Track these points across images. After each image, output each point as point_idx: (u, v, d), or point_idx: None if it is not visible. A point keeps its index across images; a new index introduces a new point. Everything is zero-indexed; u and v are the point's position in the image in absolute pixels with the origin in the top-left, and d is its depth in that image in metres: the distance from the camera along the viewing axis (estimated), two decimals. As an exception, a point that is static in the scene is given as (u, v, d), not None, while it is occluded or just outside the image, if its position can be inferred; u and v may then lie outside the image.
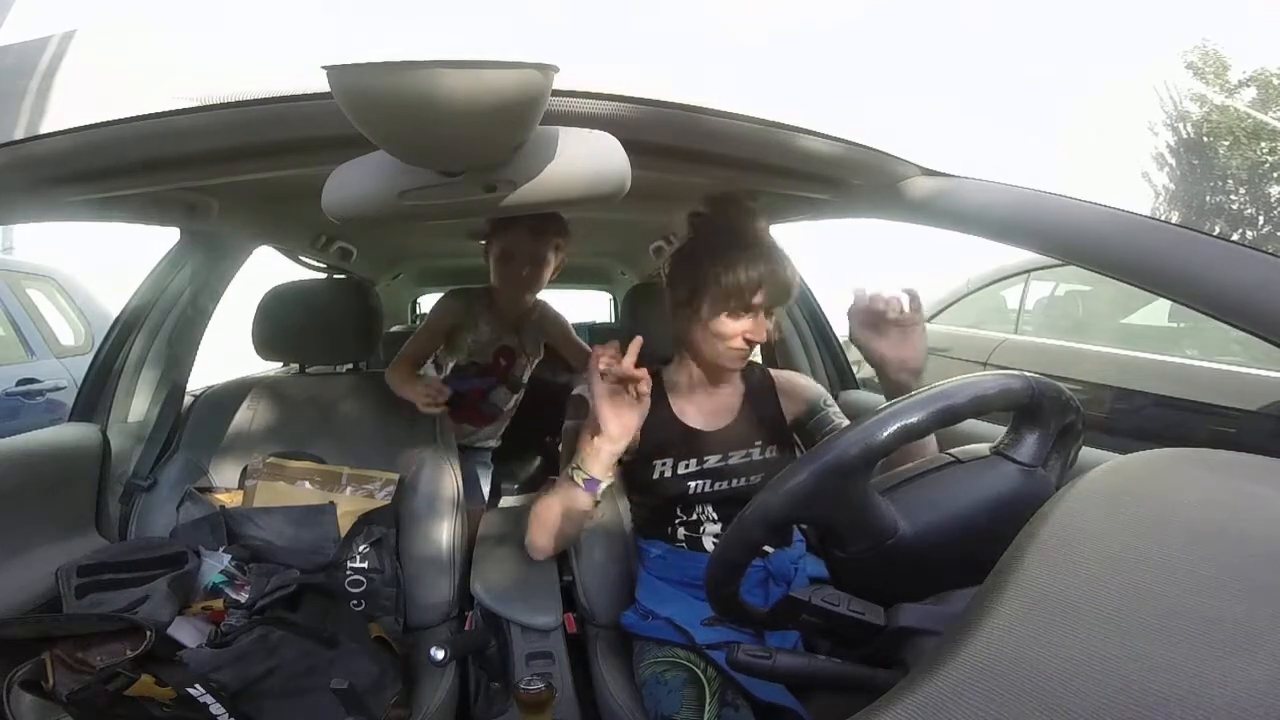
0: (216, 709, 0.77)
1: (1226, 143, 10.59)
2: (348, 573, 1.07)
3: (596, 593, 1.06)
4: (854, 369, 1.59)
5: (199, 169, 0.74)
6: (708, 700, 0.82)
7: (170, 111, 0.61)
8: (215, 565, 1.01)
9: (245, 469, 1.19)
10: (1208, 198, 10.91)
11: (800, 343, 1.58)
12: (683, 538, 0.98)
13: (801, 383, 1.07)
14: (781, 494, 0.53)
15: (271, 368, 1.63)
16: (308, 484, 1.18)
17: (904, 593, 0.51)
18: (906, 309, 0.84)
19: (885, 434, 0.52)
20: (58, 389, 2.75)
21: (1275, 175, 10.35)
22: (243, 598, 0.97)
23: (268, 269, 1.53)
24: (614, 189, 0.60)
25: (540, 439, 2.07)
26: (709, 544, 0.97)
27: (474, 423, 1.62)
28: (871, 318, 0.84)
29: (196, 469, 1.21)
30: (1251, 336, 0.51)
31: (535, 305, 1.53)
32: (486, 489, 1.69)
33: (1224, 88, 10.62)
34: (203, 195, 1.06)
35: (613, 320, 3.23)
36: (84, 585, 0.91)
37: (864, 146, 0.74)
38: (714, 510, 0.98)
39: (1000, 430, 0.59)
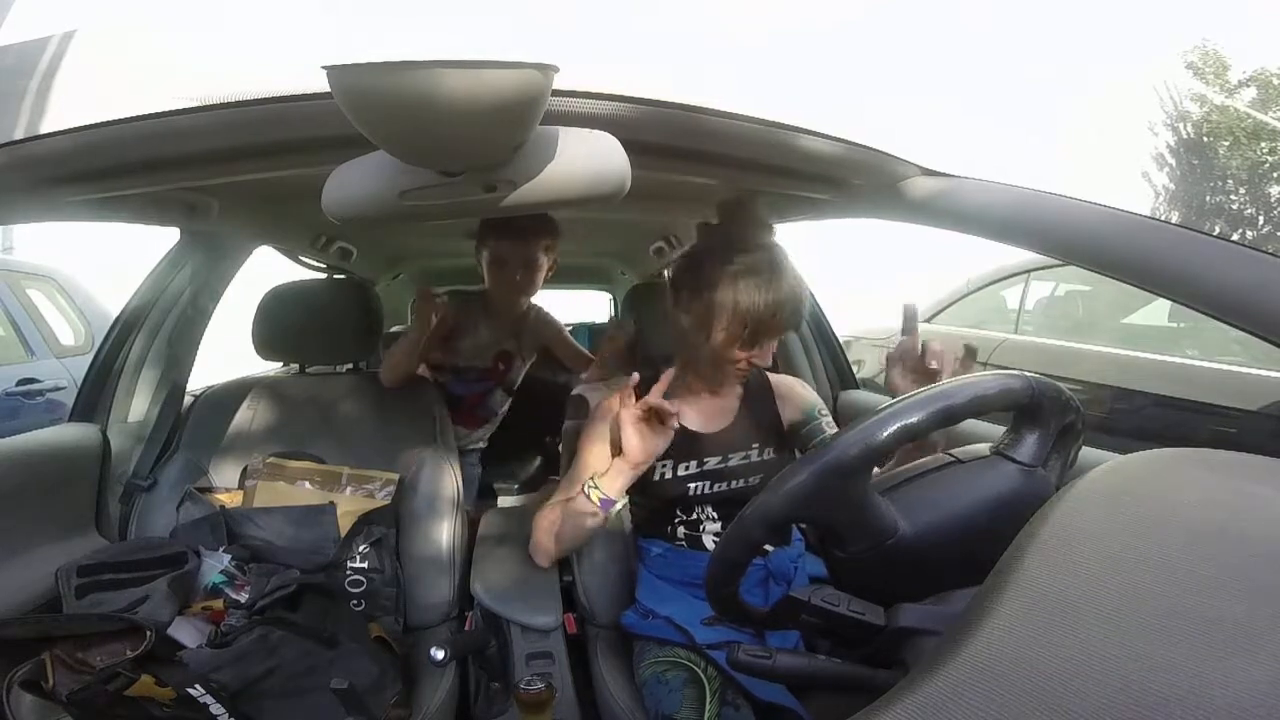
0: (216, 709, 0.77)
1: (1226, 143, 10.59)
2: (348, 573, 1.07)
3: (596, 593, 1.06)
4: (854, 369, 1.59)
5: (199, 169, 0.74)
6: (708, 700, 0.82)
7: (170, 111, 0.61)
8: (215, 565, 1.01)
9: (245, 469, 1.19)
10: (1208, 198, 10.91)
11: (800, 343, 1.58)
12: (683, 537, 0.98)
13: (798, 389, 1.08)
14: (782, 494, 0.53)
15: (271, 368, 1.63)
16: (308, 484, 1.18)
17: (904, 593, 0.51)
18: (939, 362, 0.81)
19: (885, 434, 0.52)
20: (58, 389, 2.75)
21: (1275, 175, 10.35)
22: (243, 598, 0.97)
23: (268, 269, 1.53)
24: (614, 189, 0.60)
25: (540, 439, 2.07)
26: (709, 543, 0.97)
27: (469, 426, 1.62)
28: (914, 365, 0.81)
29: (196, 469, 1.21)
30: (1251, 336, 0.51)
31: (530, 308, 1.53)
32: (475, 490, 1.69)
33: (1224, 88, 10.62)
34: (203, 195, 1.06)
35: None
36: (84, 585, 0.91)
37: (864, 146, 0.74)
38: (714, 510, 0.98)
39: (1000, 430, 0.59)
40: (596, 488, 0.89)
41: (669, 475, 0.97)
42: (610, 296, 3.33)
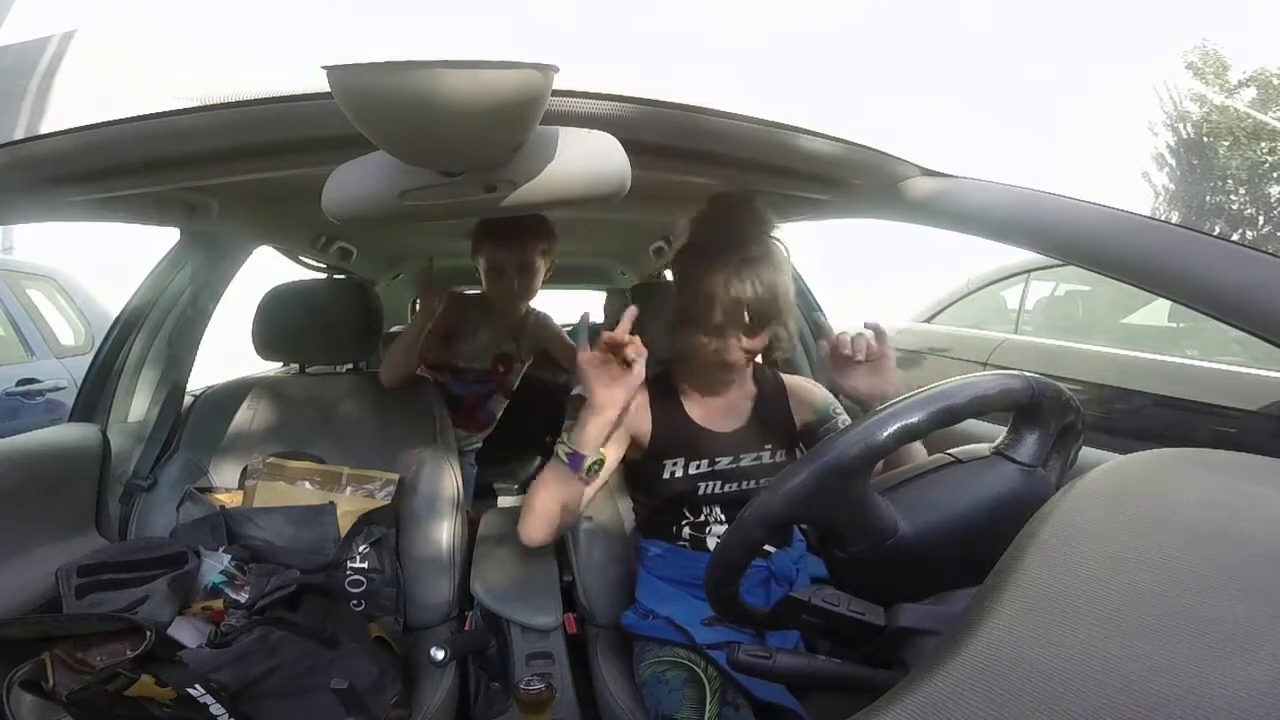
0: (216, 709, 0.77)
1: (1226, 143, 10.60)
2: (348, 573, 1.07)
3: (596, 593, 1.06)
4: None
5: (199, 169, 0.74)
6: (708, 700, 0.82)
7: (170, 111, 0.61)
8: (215, 565, 1.01)
9: (245, 469, 1.19)
10: (1208, 198, 10.91)
11: (800, 343, 1.58)
12: (687, 537, 0.98)
13: (812, 389, 1.06)
14: (782, 494, 0.53)
15: (272, 368, 1.63)
16: (308, 484, 1.18)
17: (904, 593, 0.51)
18: (873, 345, 0.87)
19: (885, 434, 0.52)
20: (58, 389, 2.75)
21: (1275, 175, 10.35)
22: (243, 598, 0.97)
23: (268, 269, 1.53)
24: (614, 189, 0.60)
25: (540, 439, 2.07)
26: (713, 544, 0.97)
27: (468, 428, 1.62)
28: (841, 361, 0.88)
29: (196, 469, 1.21)
30: (1251, 336, 0.51)
31: (529, 312, 1.54)
32: (472, 490, 1.69)
33: (1224, 88, 10.62)
34: (203, 195, 1.06)
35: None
36: (84, 585, 0.91)
37: (864, 147, 0.74)
38: (721, 511, 0.97)
39: (1000, 430, 0.59)
40: (564, 443, 0.85)
41: (679, 474, 0.97)
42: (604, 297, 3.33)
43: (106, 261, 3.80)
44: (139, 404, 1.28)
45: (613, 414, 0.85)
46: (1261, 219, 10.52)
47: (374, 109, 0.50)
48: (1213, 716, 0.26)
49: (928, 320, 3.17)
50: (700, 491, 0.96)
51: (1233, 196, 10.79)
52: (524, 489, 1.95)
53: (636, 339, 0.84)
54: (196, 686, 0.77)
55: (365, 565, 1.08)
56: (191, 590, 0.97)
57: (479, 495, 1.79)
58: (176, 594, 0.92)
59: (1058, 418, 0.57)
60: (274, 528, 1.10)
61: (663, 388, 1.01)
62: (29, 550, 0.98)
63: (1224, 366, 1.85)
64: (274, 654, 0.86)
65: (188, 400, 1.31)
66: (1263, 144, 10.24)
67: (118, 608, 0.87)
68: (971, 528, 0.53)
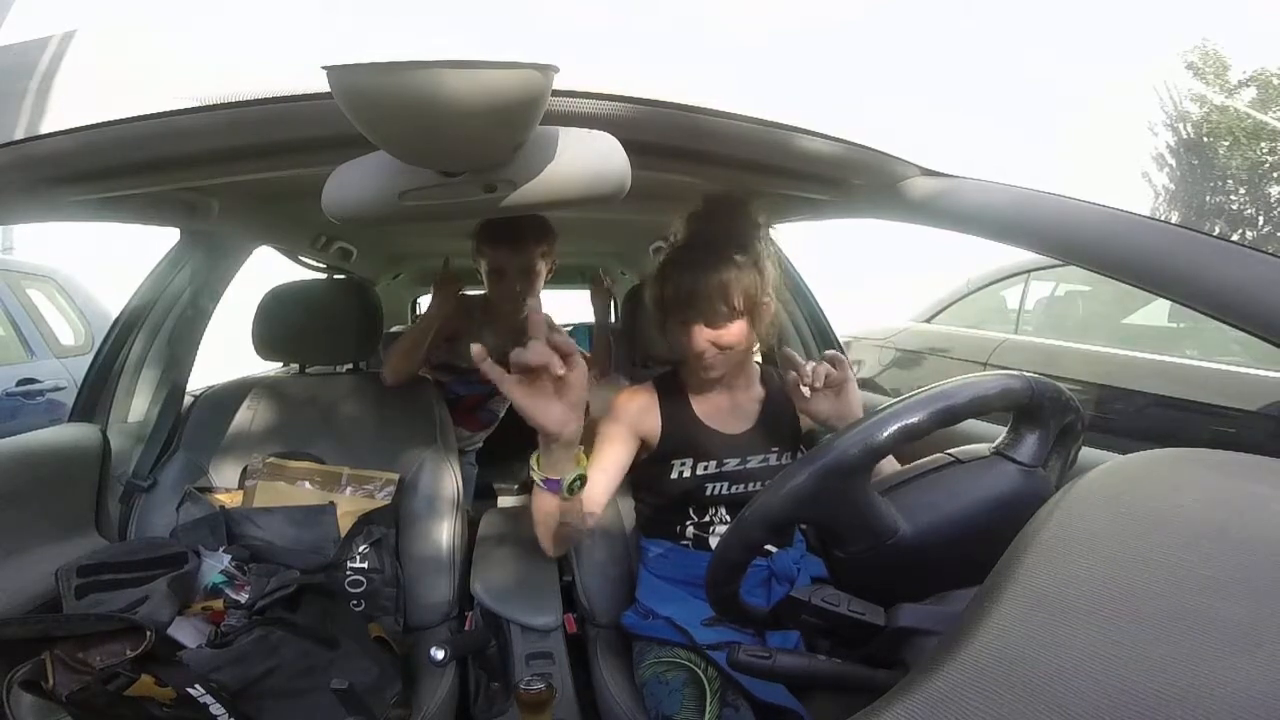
0: (216, 709, 0.77)
1: (1226, 143, 10.60)
2: (348, 573, 1.07)
3: (596, 593, 1.06)
4: (854, 369, 1.59)
5: (199, 169, 0.74)
6: (708, 700, 0.82)
7: (170, 111, 0.61)
8: (215, 565, 1.01)
9: (245, 469, 1.19)
10: (1208, 198, 10.91)
11: (800, 343, 1.58)
12: (690, 536, 0.98)
13: None
14: (782, 494, 0.53)
15: (272, 368, 1.63)
16: (308, 484, 1.18)
17: (904, 593, 0.51)
18: (832, 372, 0.90)
19: (885, 434, 0.52)
20: (58, 389, 2.75)
21: (1275, 175, 10.36)
22: (243, 598, 0.97)
23: (268, 268, 1.53)
24: (614, 189, 0.60)
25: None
26: (715, 543, 0.97)
27: (469, 427, 1.62)
28: (804, 390, 0.90)
29: (196, 469, 1.21)
30: (1251, 336, 0.51)
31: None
32: (473, 490, 1.69)
33: (1224, 88, 10.62)
34: (203, 195, 1.06)
35: (613, 320, 3.22)
36: (84, 585, 0.90)
37: (864, 147, 0.74)
38: (726, 512, 0.98)
39: (1000, 430, 0.59)
40: (535, 469, 0.75)
41: (686, 474, 0.97)
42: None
43: (106, 261, 3.80)
44: (139, 404, 1.28)
45: (570, 433, 0.70)
46: (1261, 219, 10.52)
47: (374, 109, 0.49)
48: (1213, 717, 0.26)
49: (928, 320, 3.17)
50: (707, 492, 0.96)
51: (1233, 196, 10.79)
52: (524, 489, 1.95)
53: (555, 341, 0.64)
54: (196, 686, 0.77)
55: (365, 565, 1.08)
56: (191, 590, 0.97)
57: (479, 495, 1.79)
58: (176, 594, 0.91)
59: (1058, 418, 0.57)
60: (274, 528, 1.10)
61: (670, 388, 1.01)
62: (29, 550, 0.98)
63: (1224, 366, 1.85)
64: (274, 654, 0.86)
65: (188, 400, 1.31)
66: (1263, 144, 10.24)
67: (117, 608, 0.87)
68: (971, 528, 0.53)
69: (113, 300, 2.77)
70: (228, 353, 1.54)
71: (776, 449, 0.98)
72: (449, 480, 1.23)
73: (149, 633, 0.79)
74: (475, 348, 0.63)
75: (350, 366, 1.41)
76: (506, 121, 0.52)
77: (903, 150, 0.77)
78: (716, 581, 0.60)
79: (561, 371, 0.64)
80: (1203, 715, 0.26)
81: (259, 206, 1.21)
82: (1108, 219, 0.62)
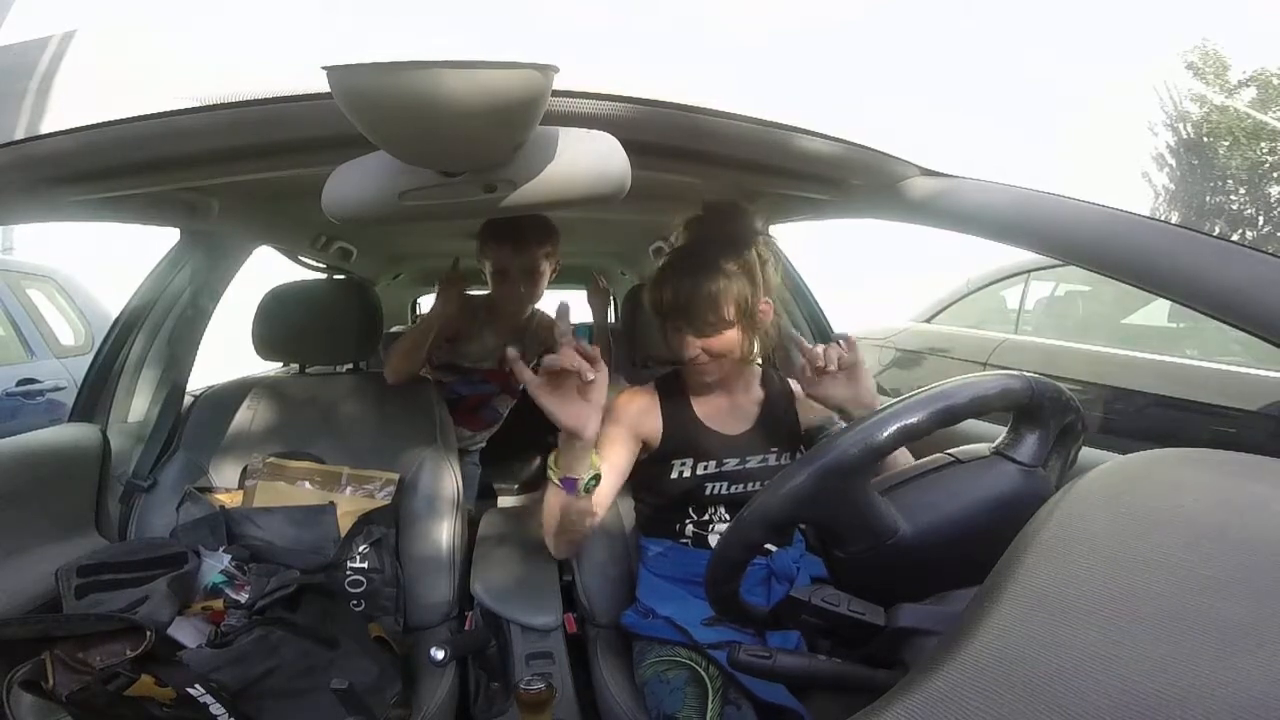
0: (216, 709, 0.77)
1: (1226, 143, 10.60)
2: (348, 573, 1.07)
3: (596, 593, 1.06)
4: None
5: (199, 169, 0.74)
6: (710, 698, 0.82)
7: (170, 111, 0.61)
8: (215, 565, 1.01)
9: (245, 469, 1.19)
10: (1208, 198, 10.91)
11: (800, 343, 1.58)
12: (690, 535, 0.98)
13: None
14: (782, 494, 0.53)
15: (272, 368, 1.63)
16: (308, 484, 1.18)
17: (904, 593, 0.51)
18: (844, 354, 0.88)
19: (885, 434, 0.52)
20: (58, 389, 2.75)
21: (1275, 175, 10.36)
22: (243, 598, 0.97)
23: (268, 268, 1.53)
24: (614, 189, 0.60)
25: (541, 439, 2.06)
26: (714, 541, 0.97)
27: (472, 427, 1.62)
28: (815, 373, 0.89)
29: (196, 469, 1.21)
30: (1251, 336, 0.51)
31: (534, 313, 1.54)
32: (476, 490, 1.69)
33: (1224, 88, 10.62)
34: (203, 195, 1.06)
35: (613, 320, 3.22)
36: (84, 585, 0.91)
37: (863, 147, 0.74)
38: (726, 511, 0.98)
39: (1000, 430, 0.59)
40: (553, 469, 0.81)
41: (686, 474, 0.97)
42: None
43: (106, 261, 3.80)
44: (139, 404, 1.28)
45: (590, 432, 0.76)
46: (1261, 219, 10.52)
47: (374, 109, 0.50)
48: (1213, 717, 0.26)
49: (928, 320, 3.17)
50: (707, 491, 0.97)
51: (1233, 196, 10.79)
52: (524, 489, 1.95)
53: (581, 360, 0.71)
54: (196, 686, 0.77)
55: (365, 565, 1.08)
56: (191, 590, 0.97)
57: (480, 495, 1.79)
58: (176, 594, 0.91)
59: (1058, 418, 0.57)
60: (274, 528, 1.10)
61: (671, 389, 1.01)
62: (29, 550, 0.98)
63: (1224, 366, 1.85)
64: (274, 654, 0.86)
65: (188, 400, 1.31)
66: (1263, 144, 10.24)
67: (117, 608, 0.87)
68: (971, 528, 0.53)
69: (113, 300, 2.77)
70: (228, 353, 1.54)
71: (775, 449, 0.99)
72: (449, 480, 1.23)
73: (149, 633, 0.79)
74: (510, 351, 0.71)
75: (350, 366, 1.41)
76: (506, 121, 0.52)
77: (903, 150, 0.77)
78: (716, 580, 0.60)
79: (591, 377, 0.70)
80: (1203, 715, 0.26)
81: (259, 206, 1.21)
82: (1108, 219, 0.62)
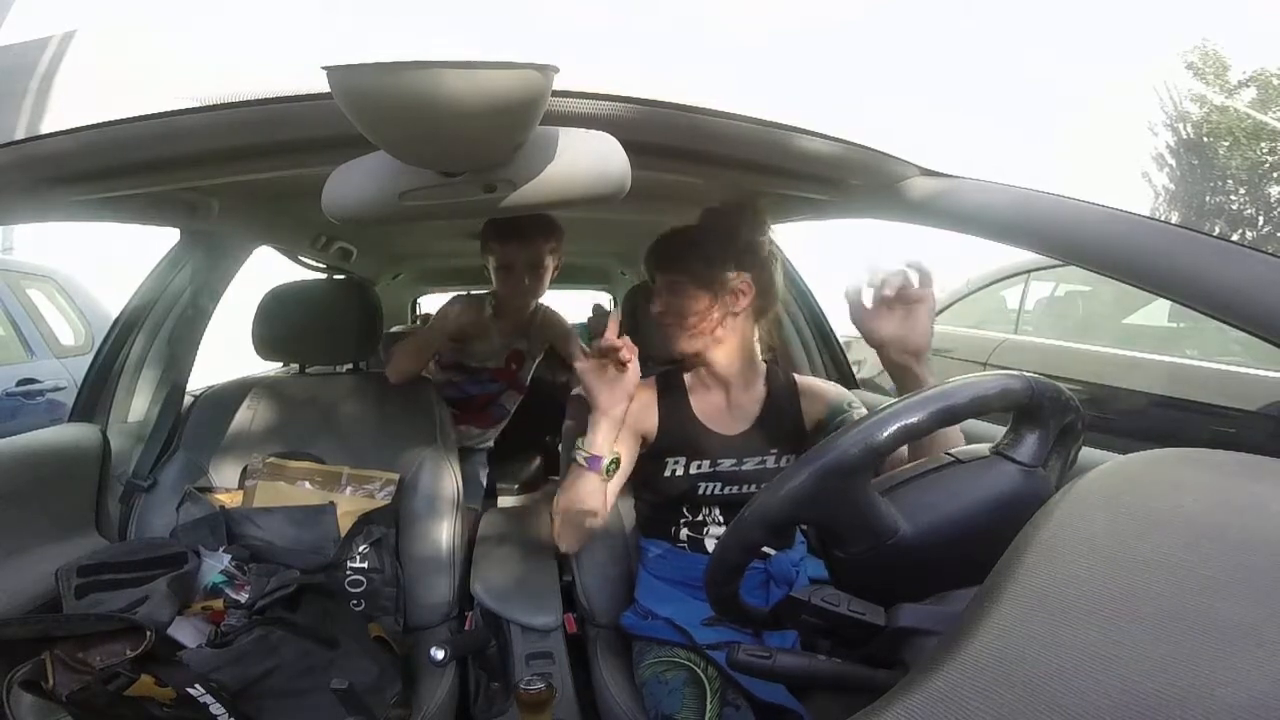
0: (216, 709, 0.77)
1: (1226, 143, 10.60)
2: (348, 573, 1.07)
3: (596, 593, 1.06)
4: (854, 369, 1.59)
5: (199, 169, 0.74)
6: (709, 699, 0.82)
7: (170, 111, 0.61)
8: (215, 565, 1.01)
9: (245, 469, 1.19)
10: (1208, 198, 10.91)
11: (800, 344, 1.58)
12: (685, 538, 0.98)
13: (825, 387, 1.04)
14: (781, 495, 0.53)
15: (272, 368, 1.63)
16: (308, 484, 1.18)
17: (904, 593, 0.51)
18: (910, 284, 0.75)
19: (885, 434, 0.52)
20: (58, 389, 2.75)
21: (1275, 175, 10.35)
22: (243, 598, 0.97)
23: (268, 268, 1.53)
24: (614, 189, 0.60)
25: (540, 439, 2.07)
26: (711, 545, 0.96)
27: (480, 425, 1.62)
28: (870, 301, 0.77)
29: (196, 469, 1.21)
30: (1251, 336, 0.51)
31: (538, 308, 1.55)
32: (484, 488, 1.70)
33: (1224, 88, 10.62)
34: (203, 195, 1.06)
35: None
36: (84, 585, 0.91)
37: (863, 147, 0.74)
38: (720, 513, 0.97)
39: (1000, 430, 0.59)
40: (580, 448, 0.92)
41: (679, 472, 0.97)
42: (610, 296, 3.33)
43: (106, 260, 3.80)
44: (139, 404, 1.28)
45: (618, 414, 0.91)
46: (1261, 219, 10.52)
47: (374, 109, 0.50)
48: (1213, 717, 0.26)
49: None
50: (700, 491, 0.96)
51: (1233, 196, 10.79)
52: (524, 489, 1.95)
53: (626, 340, 0.89)
54: (196, 686, 0.77)
55: (365, 565, 1.08)
56: (191, 590, 0.97)
57: (486, 494, 1.79)
58: (176, 594, 0.92)
59: (1058, 418, 0.57)
60: (274, 528, 1.10)
61: (670, 386, 1.01)
62: (29, 550, 0.98)
63: (1224, 366, 1.86)
64: (274, 654, 0.86)
65: (188, 400, 1.31)
66: (1263, 144, 10.24)
67: (117, 608, 0.87)
68: (971, 528, 0.53)
69: (113, 300, 2.77)
70: (228, 353, 1.54)
71: (775, 450, 0.98)
72: (449, 480, 1.23)
73: (149, 633, 0.79)
74: (581, 360, 0.91)
75: (350, 366, 1.41)
76: (506, 122, 0.52)
77: (903, 150, 0.77)
78: (715, 582, 0.60)
79: (629, 358, 0.89)
80: (1203, 715, 0.26)
81: (259, 206, 1.21)
82: (1108, 219, 0.61)
